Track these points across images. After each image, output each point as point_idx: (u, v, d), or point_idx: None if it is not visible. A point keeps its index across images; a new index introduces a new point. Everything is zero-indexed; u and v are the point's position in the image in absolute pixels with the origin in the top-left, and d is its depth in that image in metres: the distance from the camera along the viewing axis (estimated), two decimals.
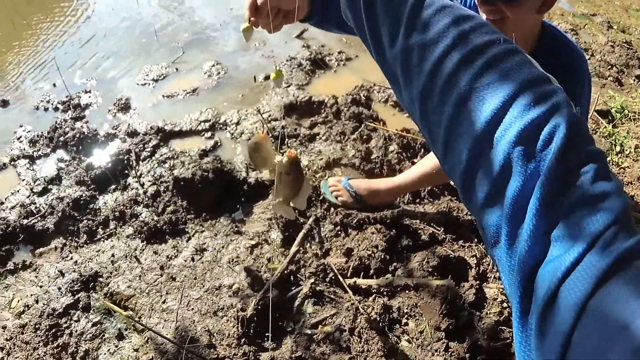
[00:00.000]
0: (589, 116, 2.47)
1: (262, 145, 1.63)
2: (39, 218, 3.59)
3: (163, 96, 4.40)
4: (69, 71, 5.25)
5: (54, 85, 5.23)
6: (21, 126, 4.84)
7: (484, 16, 2.13)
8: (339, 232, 3.05)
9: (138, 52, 5.24)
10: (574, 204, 0.51)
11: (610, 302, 0.43)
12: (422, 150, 3.50)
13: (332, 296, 2.74)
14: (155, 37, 5.32)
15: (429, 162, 2.87)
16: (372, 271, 2.83)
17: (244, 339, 2.56)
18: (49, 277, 3.23)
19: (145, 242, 3.16)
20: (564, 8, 5.70)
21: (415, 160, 3.44)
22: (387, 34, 0.75)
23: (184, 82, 4.51)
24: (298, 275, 2.79)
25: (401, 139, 3.55)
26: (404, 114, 3.92)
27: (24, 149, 4.45)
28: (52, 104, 4.93)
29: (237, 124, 3.82)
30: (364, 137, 3.63)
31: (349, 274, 2.84)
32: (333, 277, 2.80)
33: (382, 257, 2.85)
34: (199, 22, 5.45)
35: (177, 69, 4.72)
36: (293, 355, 2.47)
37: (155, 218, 3.19)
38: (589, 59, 4.56)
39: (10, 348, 2.99)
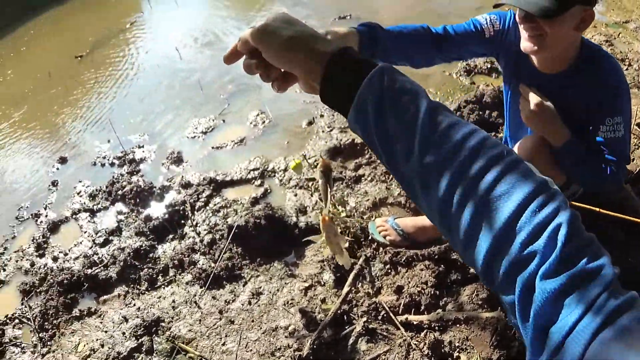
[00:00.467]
0: (631, 129, 2.52)
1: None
2: (102, 267, 3.80)
3: (212, 147, 4.61)
4: (122, 127, 5.54)
5: (108, 141, 5.53)
6: (80, 181, 5.13)
7: (524, 33, 2.26)
8: (389, 271, 3.13)
9: (185, 106, 5.50)
10: (576, 278, 0.66)
11: (600, 352, 0.58)
12: None
13: (384, 333, 2.81)
14: (201, 91, 5.58)
15: None
16: (422, 307, 2.90)
17: None
18: (113, 322, 3.41)
19: (204, 288, 3.31)
20: (595, 18, 5.66)
21: None
22: (401, 152, 0.82)
23: (232, 133, 4.72)
24: (351, 314, 2.88)
25: None
26: None
27: (84, 203, 4.71)
28: (108, 160, 5.21)
29: (285, 170, 3.98)
30: None
31: (400, 311, 2.91)
32: (385, 315, 2.88)
33: (432, 292, 2.92)
34: (241, 72, 5.66)
35: (224, 121, 4.94)
36: None
37: (213, 265, 3.35)
38: (626, 69, 4.48)
39: None
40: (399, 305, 2.92)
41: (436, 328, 2.81)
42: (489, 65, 4.91)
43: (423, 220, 3.19)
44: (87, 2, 8.18)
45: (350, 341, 2.79)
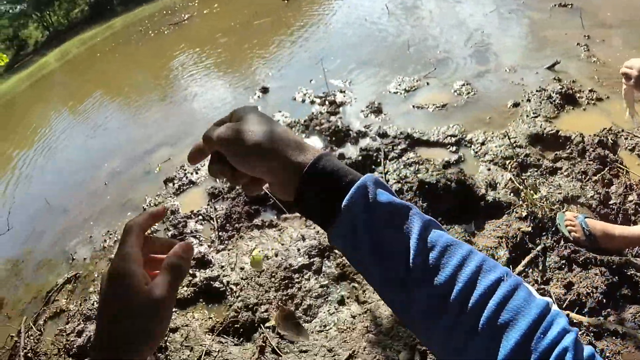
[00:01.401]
0: None
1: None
2: None
3: (413, 106, 4.77)
4: (326, 71, 5.85)
5: (310, 81, 5.89)
6: (280, 111, 5.54)
7: None
8: (563, 266, 3.10)
9: (390, 62, 5.70)
10: None
11: None
12: None
13: None
14: (407, 51, 5.72)
15: None
16: (586, 309, 2.87)
17: None
18: (291, 238, 3.73)
19: None
20: None
21: None
22: (394, 278, 0.75)
23: (434, 97, 4.84)
24: None
25: None
26: None
27: None
28: (309, 97, 5.57)
29: (482, 144, 4.03)
30: (605, 180, 3.63)
31: (564, 306, 2.90)
32: None
33: (599, 299, 2.87)
34: (450, 42, 5.73)
35: (427, 83, 5.07)
36: None
37: None
38: None
39: (244, 285, 3.53)
40: (564, 300, 2.91)
41: (593, 333, 2.78)
42: None
43: (613, 229, 3.11)
44: None
45: None
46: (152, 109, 7.80)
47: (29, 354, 3.92)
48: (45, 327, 4.18)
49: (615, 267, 2.98)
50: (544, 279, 2.98)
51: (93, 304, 4.06)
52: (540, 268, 3.05)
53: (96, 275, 4.46)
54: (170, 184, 5.23)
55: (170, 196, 5.03)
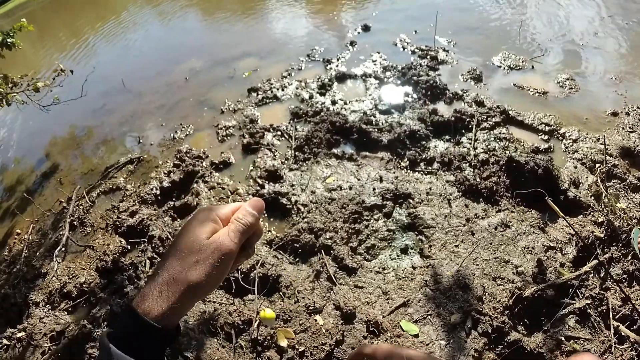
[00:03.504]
0: None
1: None
2: (376, 129, 4.19)
3: (514, 85, 4.72)
4: (431, 25, 5.80)
5: (415, 32, 5.84)
6: (378, 52, 5.53)
7: None
8: (624, 280, 3.12)
9: (499, 38, 5.60)
10: None
11: None
12: None
13: (594, 324, 2.87)
14: (518, 30, 5.62)
15: None
16: (636, 326, 2.90)
17: (507, 312, 2.83)
18: (368, 176, 3.80)
19: (460, 194, 3.57)
20: None
21: None
22: None
23: (536, 81, 4.78)
24: (578, 291, 2.97)
25: None
26: None
27: (377, 71, 5.12)
28: (410, 46, 5.55)
29: (575, 141, 4.00)
30: None
31: (617, 317, 2.93)
32: (604, 310, 2.92)
33: None
34: (563, 36, 5.60)
35: (532, 67, 4.99)
36: (536, 349, 2.68)
37: (478, 180, 3.57)
38: None
39: (312, 209, 3.63)
40: (619, 312, 2.94)
41: (636, 350, 2.81)
42: None
43: None
44: None
45: (563, 312, 2.89)
46: (243, 20, 7.81)
47: (75, 222, 4.10)
48: (97, 200, 4.35)
49: None
50: (603, 286, 3.01)
51: (152, 190, 4.19)
52: (602, 275, 3.07)
53: (160, 163, 4.58)
54: (254, 94, 5.30)
55: (252, 105, 5.11)
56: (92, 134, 5.55)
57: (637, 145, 4.01)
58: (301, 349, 2.77)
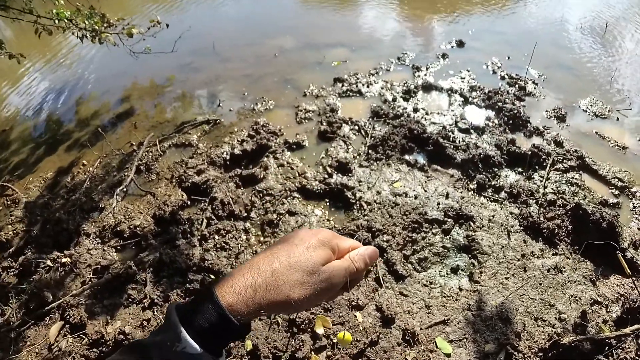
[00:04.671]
0: None
1: None
2: (452, 146, 4.27)
3: (595, 132, 4.72)
4: (525, 55, 5.79)
5: (508, 58, 5.85)
6: (468, 70, 5.58)
7: None
8: None
9: (591, 80, 5.56)
10: None
11: None
12: None
13: None
14: (610, 77, 5.57)
15: None
16: None
17: (542, 354, 2.90)
18: (435, 190, 3.91)
19: (521, 228, 3.63)
20: None
21: None
22: None
23: (618, 134, 4.76)
24: (614, 351, 3.00)
25: None
26: None
27: (463, 89, 5.18)
28: (500, 71, 5.58)
29: None
30: None
31: None
32: None
33: None
34: None
35: (617, 118, 4.95)
36: None
37: (541, 219, 3.62)
38: None
39: (374, 208, 3.73)
40: None
41: None
42: None
43: None
44: None
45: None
46: (341, 10, 7.89)
47: (141, 167, 4.32)
48: (168, 151, 4.55)
49: None
50: (638, 353, 3.03)
51: (222, 154, 4.37)
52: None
53: (235, 130, 4.75)
54: (339, 84, 5.43)
55: (335, 95, 5.25)
56: (173, 88, 5.78)
57: None
58: (335, 340, 2.91)
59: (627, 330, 3.05)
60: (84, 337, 3.00)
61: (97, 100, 5.67)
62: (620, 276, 3.45)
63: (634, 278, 3.29)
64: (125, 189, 4.06)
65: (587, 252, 3.52)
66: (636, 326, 3.09)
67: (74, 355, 2.89)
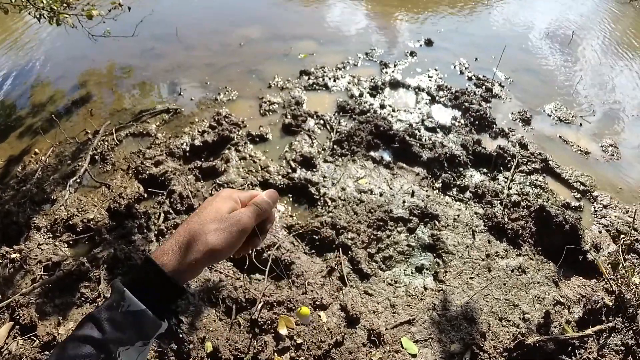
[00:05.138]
0: None
1: None
2: (418, 144, 4.25)
3: (559, 137, 4.79)
4: (493, 58, 5.83)
5: (476, 59, 5.88)
6: (436, 70, 5.58)
7: None
8: (621, 352, 3.10)
9: (556, 86, 5.63)
10: None
11: None
12: None
13: None
14: (576, 85, 5.64)
15: None
16: None
17: (506, 354, 2.88)
18: (401, 188, 3.87)
19: (486, 228, 3.63)
20: None
21: None
22: None
23: (581, 139, 4.83)
24: (577, 351, 3.00)
25: None
26: None
27: (430, 88, 5.17)
28: (468, 72, 5.58)
29: (605, 207, 4.04)
30: None
31: None
32: None
33: None
34: (621, 102, 5.59)
35: (581, 124, 5.04)
36: None
37: (506, 219, 3.62)
38: None
39: (339, 205, 3.66)
40: None
41: None
42: None
43: None
44: None
45: None
46: (311, 4, 7.80)
47: (96, 156, 4.13)
48: (124, 140, 4.39)
49: None
50: (600, 353, 3.05)
51: (182, 144, 4.23)
52: (601, 342, 3.11)
53: (196, 120, 4.62)
54: (305, 77, 5.35)
55: (301, 88, 5.16)
56: (133, 74, 5.58)
57: None
58: (299, 341, 2.83)
59: (589, 331, 3.07)
60: (34, 338, 2.82)
61: (52, 85, 5.42)
62: (581, 277, 3.48)
63: (611, 280, 3.34)
64: (78, 180, 3.87)
65: (550, 253, 3.54)
66: (598, 327, 3.12)
67: (24, 359, 2.73)
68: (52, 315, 2.96)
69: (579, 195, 4.11)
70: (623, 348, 3.12)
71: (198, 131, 4.42)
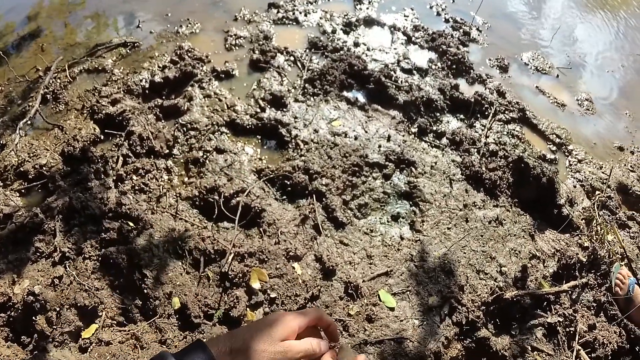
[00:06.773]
0: None
1: None
2: (394, 86, 4.05)
3: (536, 87, 4.69)
4: (471, 0, 5.64)
5: (453, 1, 5.66)
6: (412, 9, 5.33)
7: None
8: (592, 308, 3.11)
9: (533, 35, 5.52)
10: None
11: None
12: None
13: (560, 342, 2.87)
14: (552, 39, 5.51)
15: None
16: (595, 354, 2.90)
17: (484, 308, 2.81)
18: (376, 131, 3.69)
19: (463, 177, 3.51)
20: None
21: None
22: None
23: (557, 91, 4.76)
24: (552, 306, 2.96)
25: None
26: None
27: (406, 27, 4.95)
28: (445, 14, 5.37)
29: (579, 161, 4.03)
30: None
31: (581, 341, 2.91)
32: (571, 332, 2.92)
33: (609, 353, 2.89)
34: (597, 58, 5.54)
35: (557, 75, 4.95)
36: (501, 350, 2.66)
37: (483, 169, 3.50)
38: None
39: (311, 148, 3.44)
40: (583, 336, 2.93)
41: None
42: None
43: None
44: None
45: (534, 322, 2.86)
46: None
47: (48, 96, 3.73)
48: (78, 77, 3.97)
49: (633, 337, 3.04)
50: (573, 308, 3.02)
51: (141, 81, 3.89)
52: (574, 298, 3.09)
53: (156, 55, 4.25)
54: (274, 10, 5.00)
55: (269, 21, 4.82)
56: (86, 4, 5.04)
57: (634, 186, 4.04)
58: (273, 295, 2.64)
59: (565, 287, 3.03)
60: None
61: (1, 19, 4.92)
62: (555, 231, 3.43)
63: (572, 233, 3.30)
64: (29, 122, 3.48)
65: (527, 204, 3.48)
66: (572, 283, 3.08)
67: None
68: (5, 273, 2.64)
69: (554, 148, 4.03)
70: (595, 304, 3.10)
71: (158, 66, 4.04)
